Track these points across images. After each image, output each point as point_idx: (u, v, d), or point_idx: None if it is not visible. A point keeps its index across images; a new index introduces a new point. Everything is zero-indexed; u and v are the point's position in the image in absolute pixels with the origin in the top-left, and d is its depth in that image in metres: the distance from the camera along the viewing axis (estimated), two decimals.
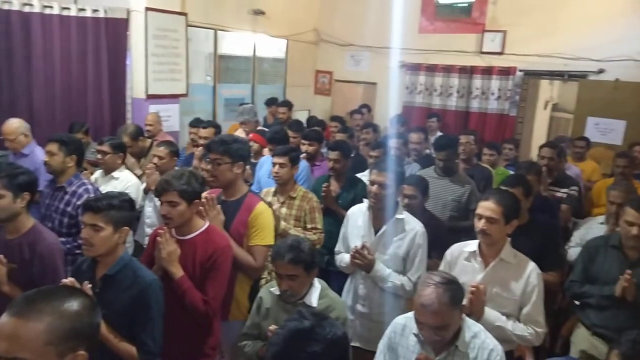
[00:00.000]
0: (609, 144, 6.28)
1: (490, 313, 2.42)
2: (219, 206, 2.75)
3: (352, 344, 2.81)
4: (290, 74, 8.24)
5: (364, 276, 2.88)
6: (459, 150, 4.45)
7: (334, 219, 3.69)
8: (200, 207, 2.59)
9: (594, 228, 3.66)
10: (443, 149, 4.04)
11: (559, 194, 4.36)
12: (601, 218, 3.75)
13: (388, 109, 7.65)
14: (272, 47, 7.85)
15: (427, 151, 5.20)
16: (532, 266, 2.51)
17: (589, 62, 6.29)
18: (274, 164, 3.55)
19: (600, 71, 6.30)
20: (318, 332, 1.24)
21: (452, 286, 1.91)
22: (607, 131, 6.33)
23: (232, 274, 2.67)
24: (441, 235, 3.17)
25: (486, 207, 2.53)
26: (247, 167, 4.68)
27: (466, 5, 7.28)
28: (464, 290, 1.98)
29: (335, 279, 3.31)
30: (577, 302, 3.13)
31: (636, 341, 1.71)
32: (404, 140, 5.02)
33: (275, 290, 2.38)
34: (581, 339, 3.00)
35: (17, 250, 2.54)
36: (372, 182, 2.81)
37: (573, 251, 3.58)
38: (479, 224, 2.52)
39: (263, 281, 3.09)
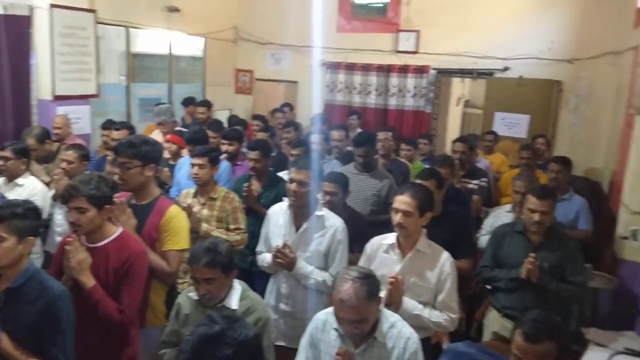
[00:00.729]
0: (515, 137, 6.69)
1: (408, 302, 2.51)
2: (129, 210, 2.65)
3: (277, 343, 2.82)
4: (209, 73, 8.08)
5: (286, 275, 2.89)
6: (377, 146, 4.57)
7: (256, 218, 3.65)
8: (111, 213, 2.48)
9: (501, 216, 3.89)
10: (362, 145, 4.13)
11: (470, 185, 4.60)
12: (508, 207, 4.00)
13: (310, 107, 7.72)
14: (189, 45, 7.66)
15: (348, 148, 5.30)
16: (445, 255, 2.63)
17: (495, 60, 6.66)
18: (193, 165, 3.47)
19: (506, 69, 6.70)
20: (228, 335, 1.23)
21: (368, 280, 1.96)
22: (513, 125, 6.74)
23: (147, 279, 2.59)
24: (362, 229, 3.25)
25: (402, 201, 2.62)
26: (166, 169, 4.58)
27: (381, 5, 7.48)
28: (380, 283, 2.04)
29: (259, 279, 3.30)
30: (488, 287, 3.32)
31: (537, 320, 1.84)
32: (325, 138, 5.08)
33: (194, 295, 2.33)
34: (493, 321, 3.18)
35: None
36: (292, 180, 2.83)
37: (484, 239, 3.78)
38: (396, 218, 2.61)
39: (186, 285, 3.01)
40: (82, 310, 2.23)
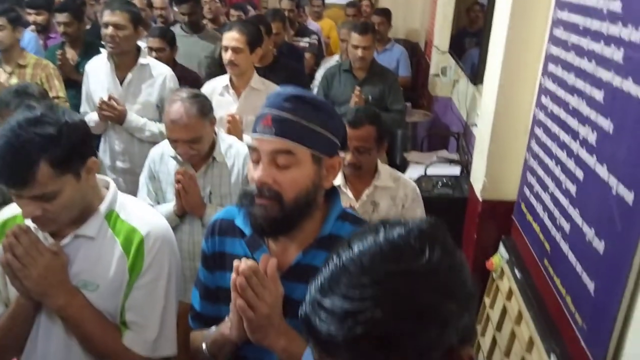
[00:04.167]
0: (342, 4, 6.85)
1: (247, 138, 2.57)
2: None
3: None
4: None
5: (117, 131, 2.75)
6: (204, 10, 4.36)
7: (77, 90, 3.34)
8: None
9: (332, 63, 4.07)
10: (183, 2, 3.91)
11: (302, 44, 4.69)
12: (336, 57, 4.19)
13: None
14: None
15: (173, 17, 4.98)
16: (278, 88, 2.69)
17: None
18: None
19: None
20: (50, 116, 1.16)
21: (198, 98, 1.95)
22: None
23: None
24: (199, 87, 3.16)
25: (230, 37, 2.59)
26: None
27: None
28: (211, 102, 2.04)
29: None
30: None
31: (357, 110, 2.03)
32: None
33: None
34: None
35: None
36: (106, 24, 2.58)
37: (316, 89, 3.95)
38: (226, 56, 2.58)
39: None
40: None
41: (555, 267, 1.80)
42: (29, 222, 1.23)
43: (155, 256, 1.28)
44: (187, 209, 1.99)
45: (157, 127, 2.73)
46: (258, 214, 1.08)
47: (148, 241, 1.27)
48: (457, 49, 3.85)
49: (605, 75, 1.52)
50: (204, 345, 1.19)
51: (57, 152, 1.13)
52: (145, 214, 1.35)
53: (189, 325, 1.33)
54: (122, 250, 1.27)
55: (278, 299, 1.07)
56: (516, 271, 2.16)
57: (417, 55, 5.89)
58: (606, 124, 1.50)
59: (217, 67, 4.00)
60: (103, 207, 1.29)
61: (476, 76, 3.09)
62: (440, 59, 4.24)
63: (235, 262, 1.04)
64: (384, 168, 2.08)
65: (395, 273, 0.63)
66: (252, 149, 1.10)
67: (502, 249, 2.35)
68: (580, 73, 1.70)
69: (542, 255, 1.93)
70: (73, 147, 1.17)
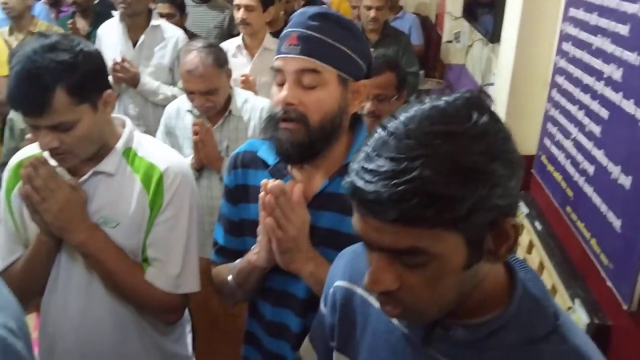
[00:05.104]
0: None
1: None
2: None
3: None
4: None
5: (131, 94, 2.74)
6: None
7: None
8: None
9: None
10: None
11: None
12: None
13: None
14: None
15: None
16: None
17: None
18: None
19: None
20: (65, 44, 1.15)
21: (214, 48, 1.94)
22: None
23: None
24: None
25: None
26: None
27: None
28: (225, 53, 2.02)
29: None
30: None
31: (377, 56, 1.99)
32: None
33: None
34: None
35: None
36: None
37: None
38: (239, 14, 2.56)
39: None
40: None
41: (579, 212, 1.78)
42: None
43: (176, 192, 1.27)
44: (205, 162, 1.98)
45: (170, 90, 2.72)
46: (284, 138, 1.06)
47: (167, 177, 1.26)
48: (471, 11, 3.80)
49: (631, 7, 1.49)
50: (229, 277, 1.18)
51: (73, 79, 1.12)
52: (162, 151, 1.34)
53: (207, 282, 1.33)
54: (142, 187, 1.26)
55: (305, 224, 1.06)
56: (536, 224, 2.13)
57: (428, 27, 5.83)
58: (632, 58, 1.46)
59: (226, 38, 3.99)
60: (120, 144, 1.28)
61: (493, 35, 3.04)
62: (453, 25, 4.19)
63: (264, 181, 1.03)
64: None
65: (443, 133, 0.62)
66: (276, 70, 1.08)
67: (520, 204, 2.33)
68: (604, 11, 1.66)
69: (565, 204, 1.90)
70: (89, 75, 1.16)
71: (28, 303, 1.28)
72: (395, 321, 0.82)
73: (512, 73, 2.38)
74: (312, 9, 1.08)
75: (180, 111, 2.09)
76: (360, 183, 0.63)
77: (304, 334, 1.09)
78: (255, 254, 1.11)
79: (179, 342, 1.41)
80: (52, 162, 1.20)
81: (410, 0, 6.30)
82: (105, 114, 1.23)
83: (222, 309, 2.11)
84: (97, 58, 1.20)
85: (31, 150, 1.31)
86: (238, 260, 1.18)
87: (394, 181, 0.61)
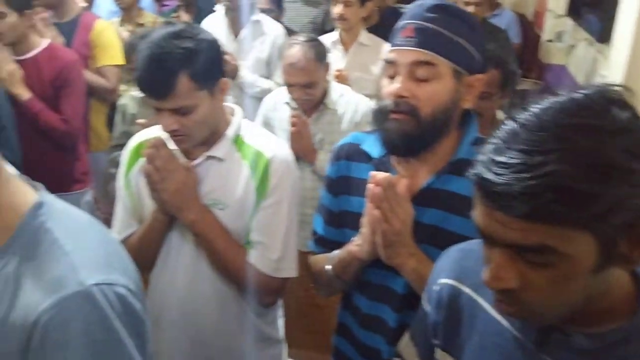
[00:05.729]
0: None
1: None
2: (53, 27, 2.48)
3: None
4: None
5: (230, 86, 2.84)
6: None
7: None
8: (34, 21, 2.30)
9: None
10: None
11: (405, 10, 4.58)
12: None
13: None
14: None
15: None
16: (387, 46, 2.65)
17: None
18: None
19: None
20: (189, 31, 1.22)
21: (316, 43, 1.97)
22: None
23: (86, 98, 2.49)
24: None
25: None
26: None
27: None
28: (326, 47, 2.05)
29: None
30: None
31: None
32: None
33: (138, 92, 2.26)
34: None
35: None
36: None
37: None
38: (337, 9, 2.58)
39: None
40: (25, 130, 2.13)
41: None
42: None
43: (280, 179, 1.30)
44: (299, 153, 2.02)
45: (267, 83, 2.80)
46: (392, 129, 1.05)
47: (273, 164, 1.30)
48: (576, 9, 3.59)
49: None
50: (328, 267, 1.20)
51: (195, 66, 1.19)
52: (269, 139, 1.39)
53: (300, 273, 1.36)
54: (249, 172, 1.31)
55: (410, 218, 1.06)
56: None
57: (524, 26, 5.57)
58: None
59: (319, 33, 4.04)
60: (231, 131, 1.34)
61: (602, 35, 2.85)
62: (555, 24, 3.98)
63: (372, 172, 1.04)
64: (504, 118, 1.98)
65: (579, 127, 0.60)
66: (388, 62, 1.08)
67: None
68: None
69: None
70: (210, 62, 1.22)
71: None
72: (505, 323, 0.79)
73: (626, 75, 2.22)
74: (429, 1, 1.06)
75: (278, 103, 2.15)
76: (489, 175, 0.62)
77: (400, 330, 1.08)
78: (357, 245, 1.11)
79: (272, 325, 1.45)
80: (171, 145, 1.28)
81: None
82: (220, 101, 1.29)
83: (308, 299, 2.16)
84: (216, 46, 1.26)
85: (150, 133, 1.40)
86: (338, 251, 1.19)
87: (526, 174, 0.59)
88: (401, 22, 1.07)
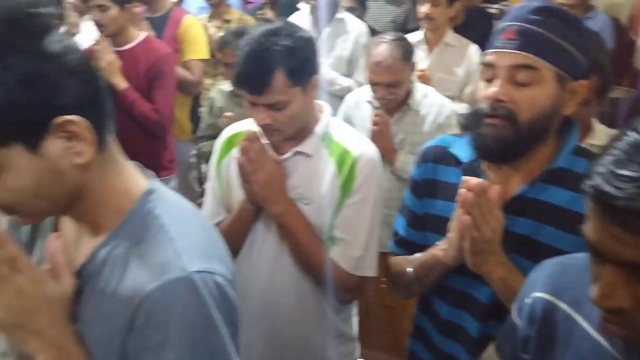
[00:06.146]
0: None
1: None
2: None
3: None
4: None
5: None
6: None
7: None
8: (136, 14, 2.45)
9: None
10: None
11: (491, 10, 4.44)
12: None
13: None
14: None
15: None
16: (473, 47, 2.60)
17: None
18: None
19: None
20: (287, 29, 1.26)
21: (403, 42, 1.96)
22: None
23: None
24: None
25: None
26: None
27: None
28: (413, 47, 2.03)
29: None
30: None
31: None
32: None
33: (226, 87, 2.35)
34: None
35: None
36: None
37: None
38: (423, 9, 2.55)
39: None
40: (118, 115, 2.26)
41: None
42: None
43: (366, 178, 1.31)
44: (380, 152, 2.01)
45: (347, 82, 2.81)
46: (488, 133, 1.03)
47: (360, 163, 1.31)
48: None
49: None
50: (409, 269, 1.19)
51: (292, 63, 1.21)
52: (357, 138, 1.39)
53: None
54: (336, 169, 1.32)
55: (500, 227, 1.03)
56: None
57: (618, 30, 5.24)
58: None
59: (402, 33, 4.00)
60: (320, 128, 1.35)
61: None
62: None
63: (464, 177, 1.02)
64: (599, 126, 1.87)
65: None
66: (486, 65, 1.05)
67: None
68: None
69: None
70: (305, 60, 1.25)
71: None
72: (605, 344, 0.76)
73: None
74: (534, 3, 1.03)
75: (360, 102, 2.15)
76: (608, 189, 0.59)
77: (482, 339, 1.06)
78: (442, 249, 1.10)
79: (347, 323, 1.46)
80: (262, 139, 1.32)
81: (600, 1, 5.73)
82: (311, 97, 1.31)
83: (378, 299, 2.15)
84: (312, 44, 1.29)
85: (241, 126, 1.45)
86: (420, 254, 1.18)
87: None
88: (502, 24, 1.04)
